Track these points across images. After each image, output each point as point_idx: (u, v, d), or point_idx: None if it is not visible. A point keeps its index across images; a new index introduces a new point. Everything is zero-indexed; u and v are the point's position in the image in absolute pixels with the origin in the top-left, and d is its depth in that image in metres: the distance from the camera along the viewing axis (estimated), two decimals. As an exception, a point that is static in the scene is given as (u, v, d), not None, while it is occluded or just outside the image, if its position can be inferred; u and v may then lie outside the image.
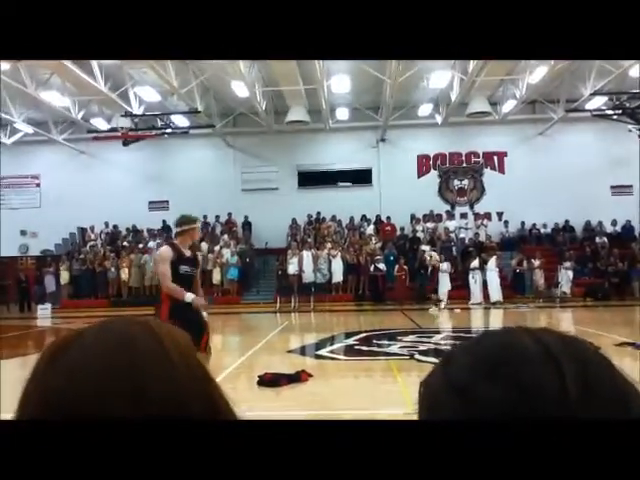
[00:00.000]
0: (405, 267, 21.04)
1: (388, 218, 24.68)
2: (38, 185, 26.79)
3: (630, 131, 21.08)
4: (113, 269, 22.75)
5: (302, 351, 10.64)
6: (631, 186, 24.58)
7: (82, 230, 25.84)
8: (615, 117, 21.05)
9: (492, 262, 20.55)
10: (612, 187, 24.84)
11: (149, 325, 0.62)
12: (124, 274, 22.64)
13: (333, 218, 24.66)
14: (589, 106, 21.35)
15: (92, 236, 25.25)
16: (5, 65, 16.33)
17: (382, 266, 21.08)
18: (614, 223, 24.11)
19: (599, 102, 21.24)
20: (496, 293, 20.06)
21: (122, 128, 19.99)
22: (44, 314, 20.34)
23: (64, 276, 22.96)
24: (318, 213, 24.98)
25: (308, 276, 21.28)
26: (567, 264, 20.63)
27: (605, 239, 23.24)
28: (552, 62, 17.29)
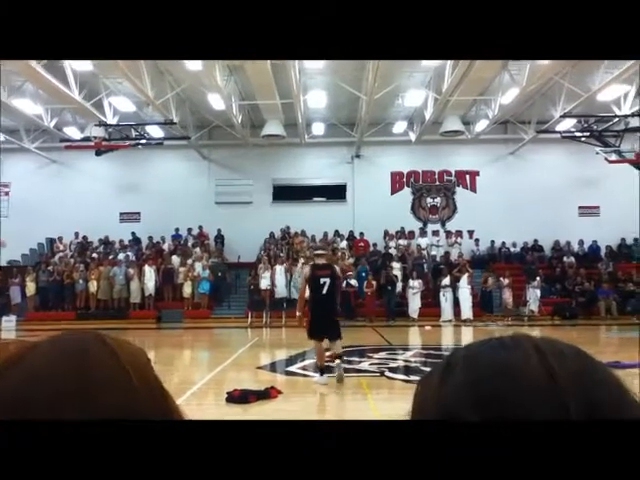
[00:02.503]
0: (374, 283, 21.13)
1: (361, 234, 24.79)
2: (7, 194, 26.28)
3: (597, 153, 21.62)
4: (81, 281, 22.35)
5: (272, 367, 10.57)
6: (598, 207, 25.19)
7: (50, 240, 25.38)
8: (583, 139, 21.56)
9: (464, 280, 20.80)
10: (580, 207, 25.39)
11: (104, 339, 0.61)
12: (92, 286, 22.26)
13: (303, 233, 24.64)
14: (559, 128, 21.84)
15: (61, 247, 24.81)
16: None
17: (354, 282, 21.12)
18: (581, 243, 24.62)
19: (568, 124, 21.76)
20: (468, 311, 20.29)
21: (95, 138, 19.74)
22: (9, 326, 19.84)
23: (30, 287, 22.46)
24: (288, 227, 24.98)
25: (280, 291, 21.21)
26: (535, 283, 20.96)
27: (573, 259, 23.69)
28: (524, 83, 17.67)
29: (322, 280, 7.77)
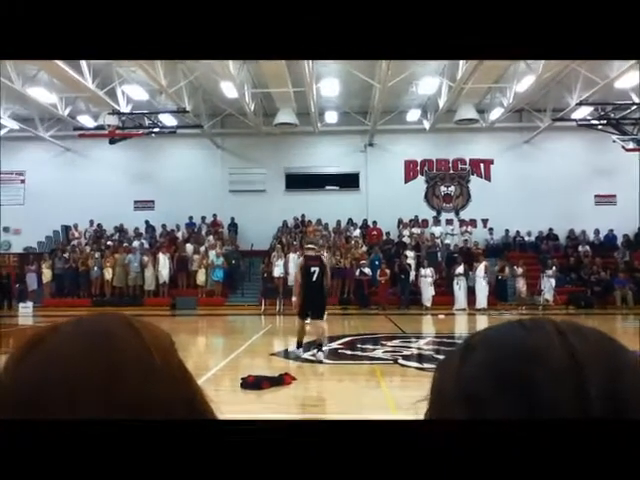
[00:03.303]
0: (387, 271, 21.11)
1: (374, 222, 24.74)
2: (23, 182, 26.52)
3: (614, 142, 21.34)
4: (96, 268, 22.57)
5: (286, 354, 10.61)
6: (614, 196, 24.90)
7: (66, 228, 25.62)
8: (600, 127, 21.30)
9: (480, 269, 20.70)
10: (596, 196, 25.12)
11: (129, 320, 0.60)
12: (108, 273, 22.47)
13: (318, 221, 24.66)
14: (575, 116, 21.58)
15: (76, 234, 25.04)
16: (-9, 60, 16.15)
17: (368, 270, 21.12)
18: (597, 232, 24.37)
19: (585, 112, 21.48)
20: (483, 299, 20.24)
21: (109, 126, 19.82)
22: (26, 312, 20.11)
23: (46, 274, 22.73)
24: (303, 216, 24.98)
25: (293, 279, 21.24)
26: (550, 272, 20.82)
27: (588, 248, 23.48)
28: (539, 71, 17.46)
29: (312, 269, 9.15)
